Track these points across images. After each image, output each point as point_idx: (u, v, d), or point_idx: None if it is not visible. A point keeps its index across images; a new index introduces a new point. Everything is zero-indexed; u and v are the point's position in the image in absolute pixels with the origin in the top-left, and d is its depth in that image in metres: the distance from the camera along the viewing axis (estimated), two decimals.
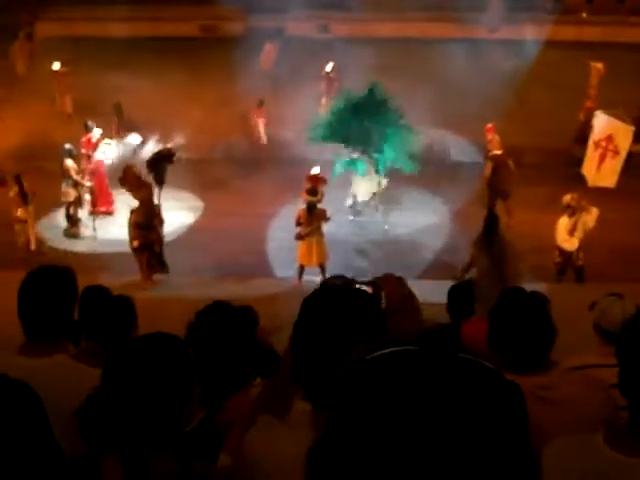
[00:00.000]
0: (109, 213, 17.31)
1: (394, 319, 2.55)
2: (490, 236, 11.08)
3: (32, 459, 2.05)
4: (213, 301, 4.16)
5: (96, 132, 17.16)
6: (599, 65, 19.62)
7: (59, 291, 3.75)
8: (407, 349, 1.23)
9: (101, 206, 17.23)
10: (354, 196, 16.99)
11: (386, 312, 2.55)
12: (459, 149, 19.86)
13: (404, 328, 2.59)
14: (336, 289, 2.43)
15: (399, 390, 1.16)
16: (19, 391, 2.20)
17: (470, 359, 1.22)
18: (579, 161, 17.77)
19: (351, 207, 17.03)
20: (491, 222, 11.24)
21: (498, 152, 16.53)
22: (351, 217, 16.94)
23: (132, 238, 13.81)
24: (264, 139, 19.90)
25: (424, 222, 16.65)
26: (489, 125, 17.09)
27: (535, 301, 3.45)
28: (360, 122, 15.96)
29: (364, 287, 2.61)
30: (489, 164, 16.54)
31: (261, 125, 19.86)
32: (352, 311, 2.30)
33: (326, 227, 14.17)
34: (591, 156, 17.46)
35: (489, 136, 16.94)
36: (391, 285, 2.68)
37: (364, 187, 16.84)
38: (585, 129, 18.32)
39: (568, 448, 2.63)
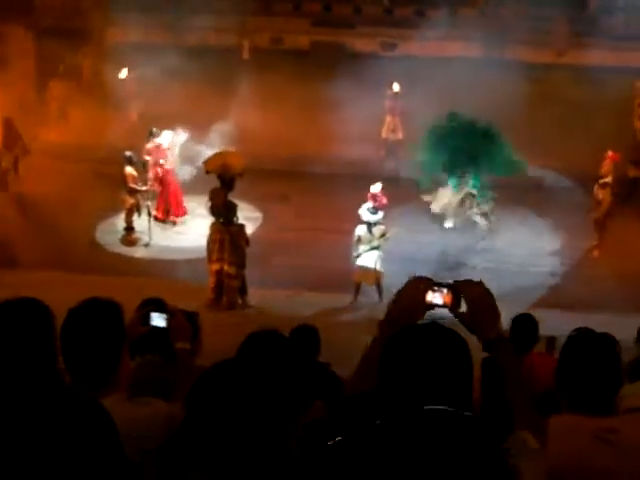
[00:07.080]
0: (176, 223, 17.38)
1: (474, 321, 2.70)
2: None
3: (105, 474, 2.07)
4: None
5: (165, 140, 17.05)
6: None
7: (106, 331, 3.38)
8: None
9: (176, 215, 17.35)
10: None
11: (467, 314, 2.71)
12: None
13: (483, 331, 2.68)
14: (425, 328, 2.43)
15: None
16: (91, 407, 2.23)
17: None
18: (633, 181, 17.54)
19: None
20: None
21: None
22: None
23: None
24: None
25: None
26: None
27: (605, 343, 3.36)
28: (468, 146, 16.03)
29: (444, 289, 2.74)
30: None
31: None
32: (440, 351, 2.31)
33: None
34: None
35: None
36: (470, 288, 2.74)
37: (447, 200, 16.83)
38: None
39: None
